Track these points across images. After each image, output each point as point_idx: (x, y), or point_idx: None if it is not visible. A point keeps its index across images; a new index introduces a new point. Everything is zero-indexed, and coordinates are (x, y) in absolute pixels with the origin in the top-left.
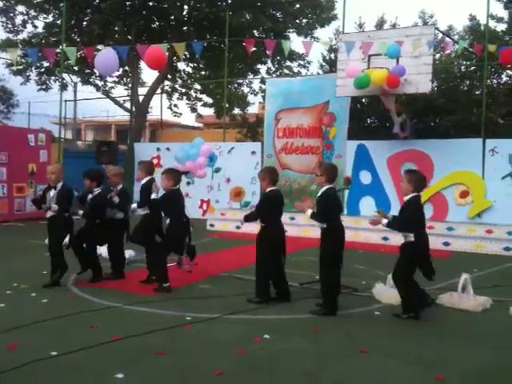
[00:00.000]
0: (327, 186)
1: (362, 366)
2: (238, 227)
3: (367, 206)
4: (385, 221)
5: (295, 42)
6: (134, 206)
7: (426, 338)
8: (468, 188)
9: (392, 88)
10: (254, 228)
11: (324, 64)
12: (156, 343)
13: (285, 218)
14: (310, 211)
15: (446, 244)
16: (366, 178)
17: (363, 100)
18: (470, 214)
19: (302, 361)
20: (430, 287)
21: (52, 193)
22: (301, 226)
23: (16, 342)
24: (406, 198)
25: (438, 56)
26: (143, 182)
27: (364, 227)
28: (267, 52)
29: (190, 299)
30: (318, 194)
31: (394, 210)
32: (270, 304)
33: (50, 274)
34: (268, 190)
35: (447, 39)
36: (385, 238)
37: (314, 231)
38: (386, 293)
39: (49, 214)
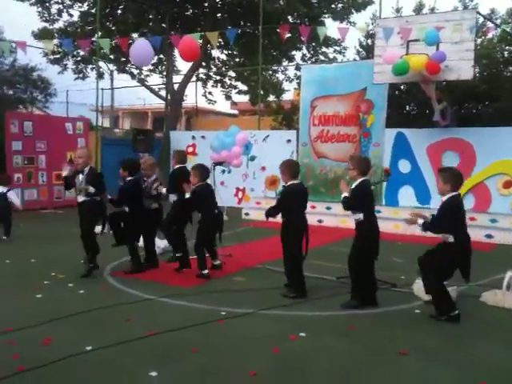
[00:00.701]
0: (361, 179)
1: (401, 369)
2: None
3: (406, 196)
4: (421, 221)
5: (331, 28)
6: (163, 190)
7: (468, 340)
8: None
9: (432, 74)
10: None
11: (361, 50)
12: (190, 339)
13: (321, 207)
14: (345, 194)
15: (489, 236)
16: (404, 167)
17: (402, 87)
18: None
19: (338, 361)
20: (472, 283)
21: (81, 177)
22: (338, 215)
23: (52, 335)
24: (444, 198)
25: (479, 41)
26: (174, 168)
27: (404, 218)
28: (302, 38)
29: (224, 292)
30: (352, 187)
31: (434, 200)
32: (305, 300)
33: (85, 261)
34: (289, 183)
35: (489, 23)
36: None
37: (351, 221)
38: None
39: (80, 198)
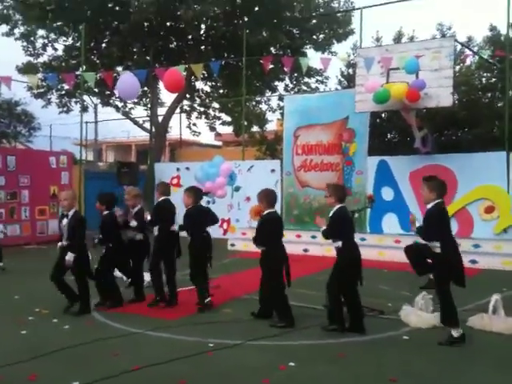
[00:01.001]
0: (338, 206)
1: None
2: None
3: (390, 223)
4: (418, 224)
5: (313, 58)
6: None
7: (457, 364)
8: (493, 203)
9: (412, 102)
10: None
11: (342, 79)
12: (178, 371)
13: (306, 236)
14: (323, 227)
15: (473, 262)
16: (388, 194)
17: (383, 115)
18: (496, 230)
19: None
20: (458, 308)
21: (65, 221)
22: (324, 244)
23: (37, 371)
24: (430, 205)
25: (457, 68)
26: (158, 200)
27: (389, 245)
28: (285, 69)
29: (211, 324)
30: (330, 215)
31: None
32: (293, 329)
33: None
34: (265, 212)
35: (467, 51)
36: None
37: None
38: (415, 316)
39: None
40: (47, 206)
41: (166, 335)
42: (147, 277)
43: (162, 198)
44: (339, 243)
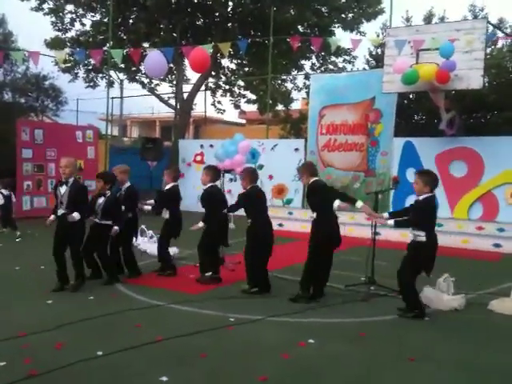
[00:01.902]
0: (312, 179)
1: (409, 375)
2: (280, 225)
3: None
4: (391, 221)
5: (341, 38)
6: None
7: (477, 346)
8: None
9: (442, 84)
10: (298, 226)
11: (370, 59)
12: (199, 345)
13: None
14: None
15: (497, 246)
16: (413, 175)
17: (411, 96)
18: None
19: (347, 368)
20: (480, 291)
21: (63, 189)
22: (346, 224)
23: (63, 340)
24: (422, 197)
25: (489, 50)
26: (167, 187)
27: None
28: (313, 49)
29: (233, 299)
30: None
31: (442, 210)
32: (313, 306)
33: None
34: (249, 187)
35: (499, 33)
36: None
37: (358, 230)
38: (436, 297)
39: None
40: None
41: (188, 309)
42: (171, 251)
43: (172, 184)
44: (314, 215)
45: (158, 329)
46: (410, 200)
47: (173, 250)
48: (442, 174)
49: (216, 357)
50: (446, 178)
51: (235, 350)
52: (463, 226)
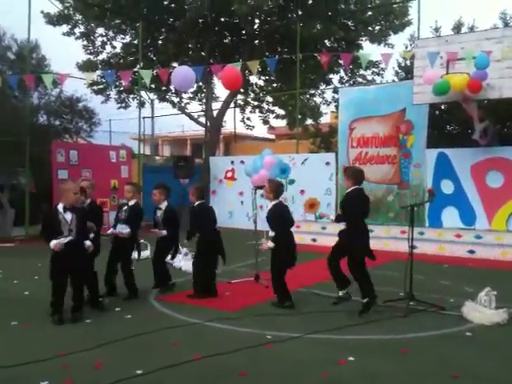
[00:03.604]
0: (275, 202)
1: None
2: (313, 240)
3: (450, 217)
4: (332, 217)
5: (368, 50)
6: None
7: None
8: None
9: (474, 93)
10: (331, 241)
11: (399, 71)
12: (238, 363)
13: None
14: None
15: None
16: (447, 187)
17: (442, 106)
18: None
19: None
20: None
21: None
22: (382, 238)
23: (102, 359)
24: (348, 190)
25: None
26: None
27: (448, 240)
28: (341, 63)
29: (268, 316)
30: (269, 207)
31: (480, 220)
32: (351, 324)
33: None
34: (197, 203)
35: None
36: (471, 252)
37: (393, 244)
38: (478, 312)
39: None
40: (108, 198)
41: (223, 326)
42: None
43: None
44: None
45: (195, 347)
46: (446, 212)
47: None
48: (478, 185)
49: (255, 375)
50: (482, 189)
51: (274, 369)
52: (502, 238)
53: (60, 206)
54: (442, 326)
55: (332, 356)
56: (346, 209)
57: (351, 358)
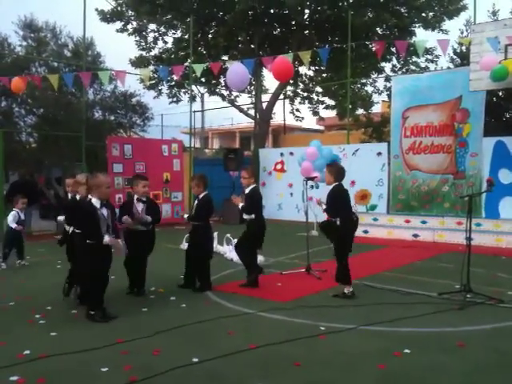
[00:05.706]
0: (253, 186)
1: None
2: (365, 231)
3: (508, 207)
4: (324, 206)
5: (428, 40)
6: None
7: None
8: None
9: None
10: (384, 233)
11: (455, 57)
12: (292, 354)
13: (416, 221)
14: (240, 204)
15: None
16: (505, 177)
17: (500, 93)
18: None
19: (448, 379)
20: None
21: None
22: (436, 229)
23: (160, 347)
24: (330, 187)
25: None
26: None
27: (506, 231)
28: (394, 50)
29: (321, 307)
30: (246, 192)
31: None
32: (406, 316)
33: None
34: (203, 194)
35: None
36: None
37: (450, 236)
38: None
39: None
40: (161, 191)
41: (277, 317)
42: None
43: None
44: (252, 216)
45: (249, 336)
46: (504, 202)
47: (259, 258)
48: None
49: (310, 366)
50: None
51: (329, 360)
52: None
53: (95, 202)
54: (499, 320)
55: (387, 348)
56: (333, 202)
57: (407, 351)
